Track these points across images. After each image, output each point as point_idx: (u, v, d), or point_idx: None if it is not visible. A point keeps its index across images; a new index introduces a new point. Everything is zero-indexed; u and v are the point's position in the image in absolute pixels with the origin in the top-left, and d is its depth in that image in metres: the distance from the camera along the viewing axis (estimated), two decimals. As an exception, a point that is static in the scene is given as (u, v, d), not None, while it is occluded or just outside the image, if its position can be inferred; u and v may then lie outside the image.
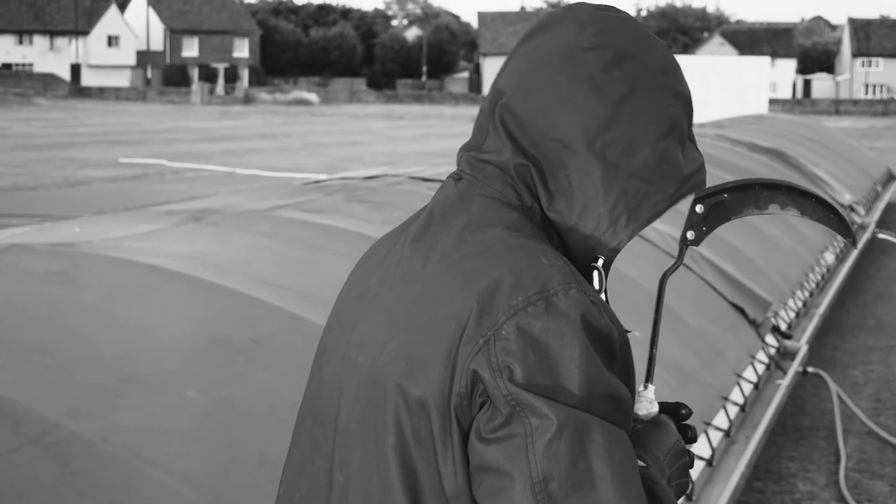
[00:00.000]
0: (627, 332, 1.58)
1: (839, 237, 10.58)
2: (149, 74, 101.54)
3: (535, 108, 1.61)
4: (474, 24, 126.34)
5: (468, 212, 1.62)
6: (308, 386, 1.78)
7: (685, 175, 1.64)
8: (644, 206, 1.61)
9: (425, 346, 1.53)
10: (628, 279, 6.11)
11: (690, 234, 1.83)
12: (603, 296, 1.62)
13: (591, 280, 1.63)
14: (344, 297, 1.76)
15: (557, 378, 1.45)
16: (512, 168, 1.62)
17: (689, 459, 1.73)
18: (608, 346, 1.51)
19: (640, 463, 1.59)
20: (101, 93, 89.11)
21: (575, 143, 1.59)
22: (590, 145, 1.59)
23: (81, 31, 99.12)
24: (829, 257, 10.93)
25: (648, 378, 1.77)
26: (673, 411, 1.77)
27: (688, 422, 1.77)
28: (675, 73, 1.66)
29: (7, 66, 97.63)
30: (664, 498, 1.57)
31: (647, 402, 1.73)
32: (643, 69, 1.62)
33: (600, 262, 1.63)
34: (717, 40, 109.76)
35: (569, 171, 1.60)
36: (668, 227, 7.73)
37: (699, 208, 1.84)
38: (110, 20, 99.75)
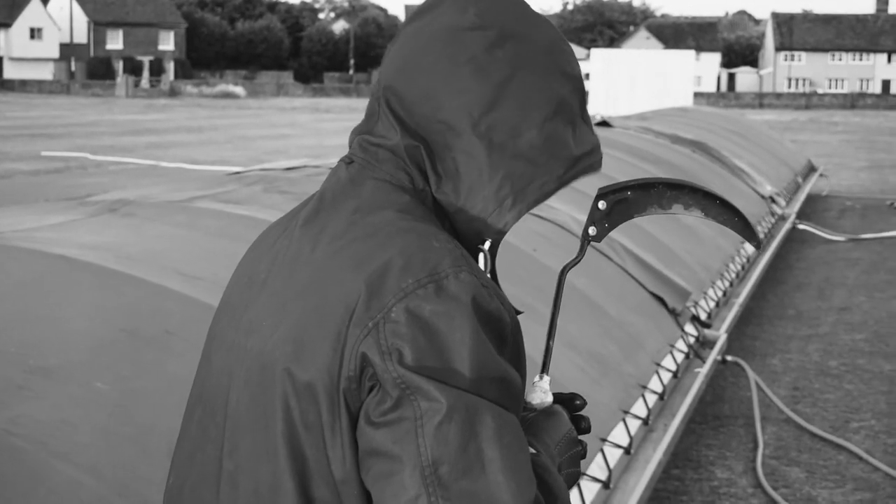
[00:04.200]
0: (519, 313, 1.57)
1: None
2: (73, 67, 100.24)
3: (420, 90, 1.60)
4: (402, 17, 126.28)
5: (359, 195, 1.60)
6: (197, 374, 1.76)
7: (575, 156, 1.62)
8: (531, 187, 1.59)
9: (313, 329, 1.51)
10: (547, 269, 6.13)
11: (592, 230, 1.83)
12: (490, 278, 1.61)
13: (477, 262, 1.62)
14: (233, 284, 1.75)
15: (447, 361, 1.44)
16: (403, 150, 1.61)
17: (582, 450, 1.72)
18: (499, 329, 1.50)
19: (531, 450, 1.58)
20: (23, 86, 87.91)
21: (459, 125, 1.58)
22: (474, 127, 1.58)
23: (3, 23, 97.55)
24: (750, 248, 11.04)
25: (544, 369, 1.76)
26: (567, 402, 1.77)
27: (583, 412, 1.78)
28: (563, 52, 1.64)
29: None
30: (554, 485, 1.56)
31: (541, 392, 1.73)
32: (527, 49, 1.60)
33: (487, 244, 1.63)
34: (642, 34, 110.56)
35: (454, 153, 1.59)
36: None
37: (602, 205, 1.83)
38: (32, 12, 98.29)
